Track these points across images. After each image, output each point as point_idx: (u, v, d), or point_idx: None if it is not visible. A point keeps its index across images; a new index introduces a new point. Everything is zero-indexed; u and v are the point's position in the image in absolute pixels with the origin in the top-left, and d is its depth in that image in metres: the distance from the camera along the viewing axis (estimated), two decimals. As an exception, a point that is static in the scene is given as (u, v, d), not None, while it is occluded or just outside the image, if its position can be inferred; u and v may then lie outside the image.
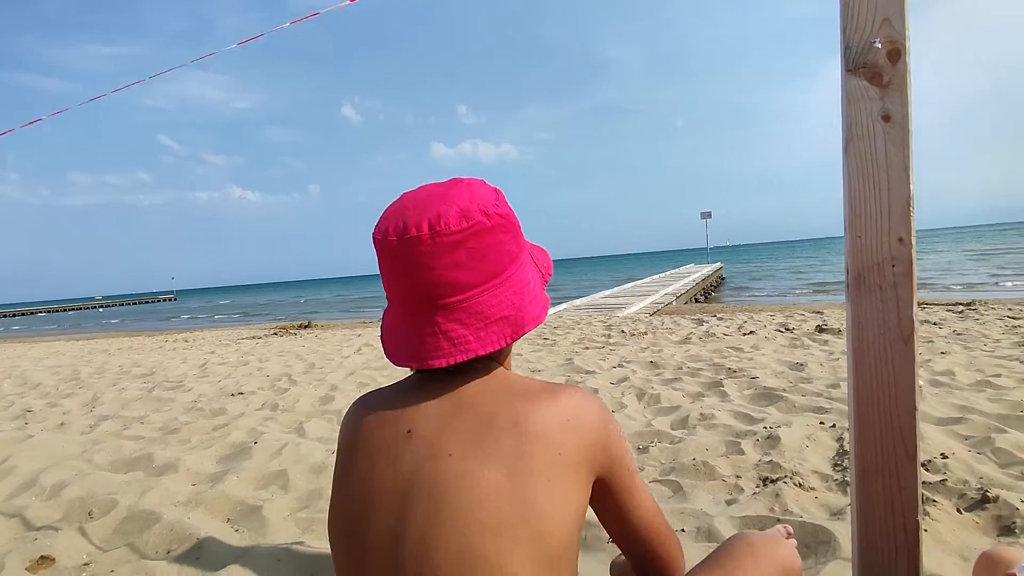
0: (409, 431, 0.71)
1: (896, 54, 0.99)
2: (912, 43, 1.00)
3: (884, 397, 1.05)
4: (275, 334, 10.02)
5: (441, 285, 0.72)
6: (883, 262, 1.03)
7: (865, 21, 1.00)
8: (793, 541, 0.98)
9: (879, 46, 0.99)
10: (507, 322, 0.75)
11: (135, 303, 79.82)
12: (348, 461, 0.75)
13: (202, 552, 1.69)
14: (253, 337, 9.57)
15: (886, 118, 1.01)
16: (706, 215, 35.06)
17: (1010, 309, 6.82)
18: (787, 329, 6.01)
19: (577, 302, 14.21)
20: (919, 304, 8.76)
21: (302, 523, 1.87)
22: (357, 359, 5.74)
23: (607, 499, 0.77)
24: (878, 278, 1.04)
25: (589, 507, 0.76)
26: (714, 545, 1.54)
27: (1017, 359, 3.81)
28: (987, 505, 1.66)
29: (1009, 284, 15.51)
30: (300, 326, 11.95)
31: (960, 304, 7.86)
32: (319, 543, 1.72)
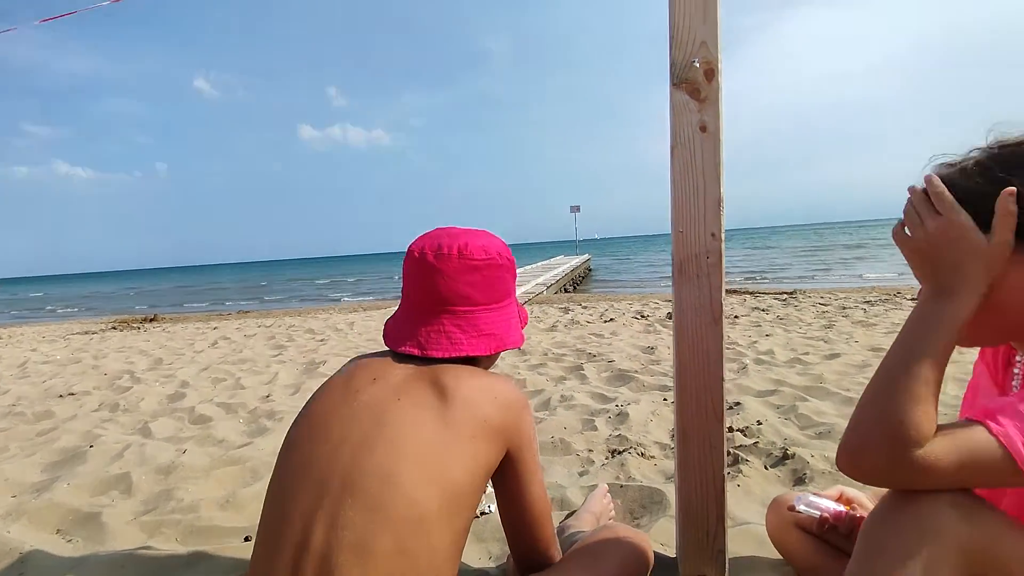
0: (375, 379, 0.90)
1: (711, 73, 1.14)
2: (724, 65, 1.16)
3: (699, 369, 1.22)
4: (114, 328, 9.01)
5: (456, 295, 0.96)
6: (699, 254, 1.19)
7: (687, 42, 1.14)
8: (647, 538, 1.17)
9: (698, 65, 1.14)
10: (494, 338, 0.98)
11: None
12: (318, 392, 0.92)
13: (26, 567, 1.52)
14: (87, 332, 8.53)
15: (703, 129, 1.16)
16: (575, 208, 36.68)
17: (822, 297, 7.92)
18: (643, 316, 6.53)
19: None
20: (752, 293, 9.90)
21: (148, 527, 1.75)
22: (212, 353, 5.36)
23: (509, 474, 0.94)
24: (695, 268, 1.20)
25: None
26: (563, 513, 1.68)
27: (822, 339, 4.46)
28: (787, 461, 1.97)
29: (832, 275, 17.97)
30: (145, 319, 10.84)
31: (785, 293, 9.00)
32: (169, 546, 1.63)
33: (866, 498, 1.22)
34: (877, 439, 0.70)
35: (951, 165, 0.80)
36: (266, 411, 3.07)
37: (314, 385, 3.64)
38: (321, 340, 5.88)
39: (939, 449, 0.67)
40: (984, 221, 0.73)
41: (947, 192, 0.75)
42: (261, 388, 3.70)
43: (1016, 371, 0.91)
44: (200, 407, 3.23)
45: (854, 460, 0.72)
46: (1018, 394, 0.71)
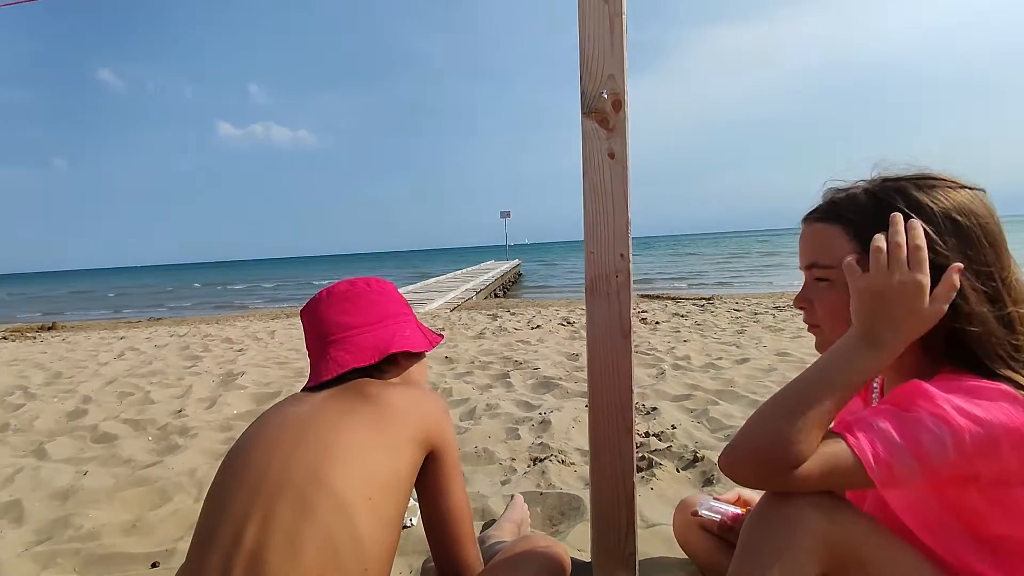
0: (302, 400, 0.99)
1: (618, 104, 1.22)
2: (630, 96, 1.24)
3: (610, 381, 1.28)
4: (5, 339, 8.26)
5: (333, 325, 1.08)
6: (609, 273, 1.26)
7: (596, 74, 1.21)
8: (564, 547, 1.21)
9: (606, 96, 1.21)
10: (375, 349, 1.06)
11: None
12: (267, 413, 1.00)
13: None
14: (-29, 343, 7.77)
15: (612, 156, 1.23)
16: (505, 214, 36.96)
17: (736, 303, 8.39)
18: (569, 323, 6.68)
19: (379, 298, 14.03)
20: (674, 299, 10.33)
21: (41, 558, 1.64)
22: (119, 365, 5.03)
23: (431, 475, 1.01)
24: (606, 286, 1.27)
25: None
26: (484, 522, 1.71)
27: (735, 344, 4.73)
28: (697, 463, 2.09)
29: (746, 281, 18.99)
30: (42, 328, 10.01)
31: (703, 299, 9.46)
32: (64, 576, 1.53)
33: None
34: (761, 454, 0.77)
35: (841, 190, 0.90)
36: (178, 427, 2.92)
37: (231, 398, 3.50)
38: (240, 350, 5.64)
39: (808, 460, 0.76)
40: (863, 240, 0.82)
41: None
42: (173, 402, 3.52)
43: (875, 385, 1.03)
44: (104, 424, 3.03)
45: (732, 465, 0.79)
46: (873, 408, 0.81)
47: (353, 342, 1.06)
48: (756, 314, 6.70)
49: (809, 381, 0.80)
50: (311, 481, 0.83)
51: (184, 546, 1.65)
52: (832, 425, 0.81)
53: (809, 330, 0.94)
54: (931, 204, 0.81)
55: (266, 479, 0.84)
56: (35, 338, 8.21)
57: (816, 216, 0.90)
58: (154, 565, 1.57)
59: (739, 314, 6.80)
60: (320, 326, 1.09)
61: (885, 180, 0.87)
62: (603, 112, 1.22)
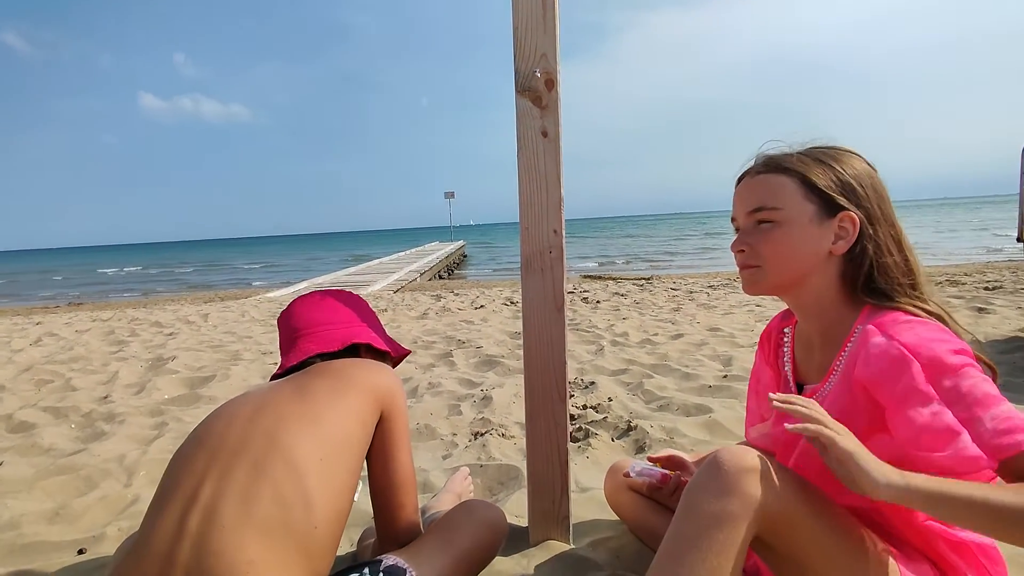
0: (270, 384, 1.07)
1: (551, 83, 1.24)
2: (566, 77, 1.27)
3: (544, 354, 1.33)
4: (-98, 326, 7.59)
5: (306, 321, 1.18)
6: (543, 249, 1.30)
7: (529, 54, 1.23)
8: (501, 511, 1.24)
9: (539, 75, 1.24)
10: (341, 340, 1.15)
11: None
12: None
13: None
14: None
15: (544, 134, 1.26)
16: (449, 195, 36.61)
17: (674, 282, 8.68)
18: (512, 303, 6.75)
19: (319, 279, 13.71)
20: (615, 279, 10.59)
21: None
22: (35, 352, 4.73)
23: (380, 439, 1.06)
24: (540, 262, 1.31)
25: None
26: (428, 496, 1.74)
27: (671, 321, 4.91)
28: (631, 433, 2.18)
29: (684, 261, 19.62)
30: (-55, 315, 9.25)
31: (643, 279, 9.73)
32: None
33: (691, 461, 1.40)
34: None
35: (776, 153, 1.02)
36: (103, 413, 2.80)
37: (162, 383, 3.37)
38: (170, 334, 5.41)
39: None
40: (807, 185, 0.95)
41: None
42: (97, 389, 3.35)
43: (785, 349, 1.12)
44: (20, 413, 2.87)
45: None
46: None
47: (320, 335, 1.16)
48: (692, 292, 6.96)
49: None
50: (267, 444, 0.90)
51: (113, 531, 1.61)
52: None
53: (743, 271, 1.02)
54: (854, 165, 0.98)
55: (225, 443, 0.91)
56: (-62, 325, 7.59)
57: (759, 170, 1.00)
58: (80, 552, 1.52)
59: (676, 293, 7.05)
60: (292, 323, 1.19)
61: (813, 147, 1.01)
62: (536, 91, 1.24)
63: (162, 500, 0.87)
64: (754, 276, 1.00)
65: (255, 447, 0.90)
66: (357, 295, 1.28)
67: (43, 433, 2.55)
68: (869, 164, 1.00)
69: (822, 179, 0.95)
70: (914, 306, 0.93)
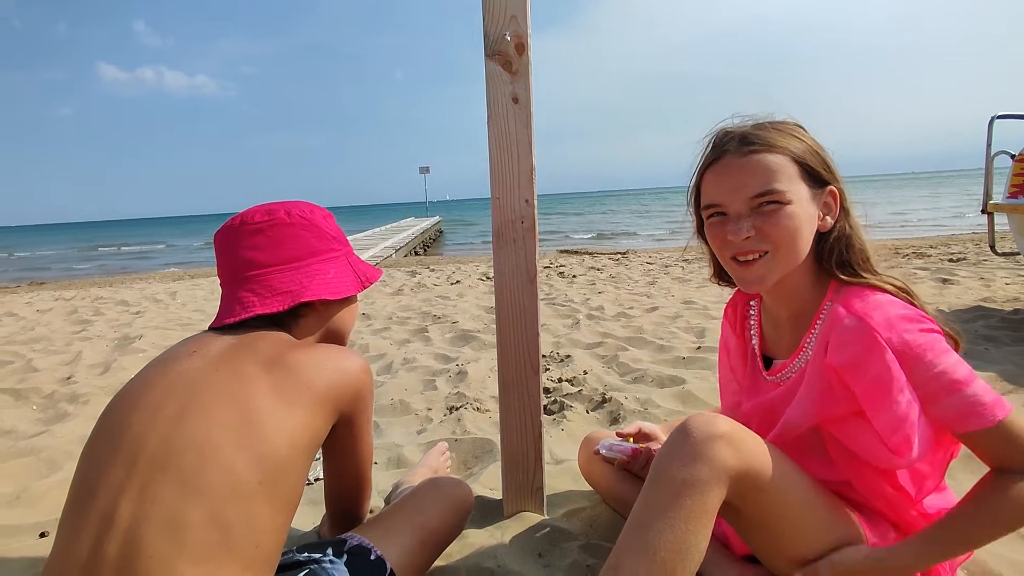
0: (194, 352, 0.88)
1: (521, 47, 1.20)
2: (538, 45, 1.23)
3: (516, 326, 1.31)
4: None
5: (242, 262, 0.97)
6: (515, 219, 1.27)
7: (498, 16, 1.19)
8: (468, 487, 1.21)
9: (508, 38, 1.20)
10: (289, 295, 0.96)
11: None
12: (145, 368, 0.89)
13: None
14: None
15: (515, 100, 1.23)
16: (424, 169, 36.13)
17: (650, 257, 8.72)
18: (488, 278, 6.72)
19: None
20: (591, 254, 10.60)
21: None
22: (-5, 333, 4.58)
23: (338, 437, 0.96)
24: (511, 232, 1.28)
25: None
26: (403, 471, 1.73)
27: (645, 295, 4.94)
28: (605, 405, 2.20)
29: (661, 235, 19.74)
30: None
31: (619, 253, 9.76)
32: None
33: (660, 432, 1.41)
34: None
35: (746, 129, 0.97)
36: (66, 394, 2.72)
37: (128, 363, 3.29)
38: (136, 312, 5.27)
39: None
40: (801, 164, 0.93)
41: None
42: (60, 369, 3.26)
43: (752, 321, 1.12)
44: (-22, 395, 2.77)
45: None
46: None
47: (264, 283, 0.95)
48: (667, 266, 7.01)
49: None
50: (197, 459, 0.76)
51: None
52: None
53: (747, 265, 0.94)
54: (815, 140, 0.97)
55: (144, 449, 0.76)
56: None
57: (749, 149, 0.92)
58: (42, 535, 1.48)
59: (651, 267, 7.09)
60: (230, 260, 0.98)
61: (774, 122, 0.97)
62: (506, 55, 1.20)
63: (74, 517, 0.75)
64: (765, 266, 0.93)
65: (183, 461, 0.75)
66: (310, 210, 1.03)
67: (3, 415, 2.47)
68: None
69: (808, 155, 0.93)
70: (879, 280, 0.93)
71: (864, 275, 0.93)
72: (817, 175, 0.94)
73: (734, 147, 0.94)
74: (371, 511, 1.26)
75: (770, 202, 0.90)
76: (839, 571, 0.87)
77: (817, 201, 0.94)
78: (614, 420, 2.09)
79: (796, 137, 0.94)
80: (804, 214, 0.92)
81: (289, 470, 0.82)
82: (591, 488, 1.49)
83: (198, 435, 0.77)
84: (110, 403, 0.85)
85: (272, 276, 0.97)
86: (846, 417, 0.89)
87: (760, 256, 0.93)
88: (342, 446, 0.99)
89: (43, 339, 4.20)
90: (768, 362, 1.07)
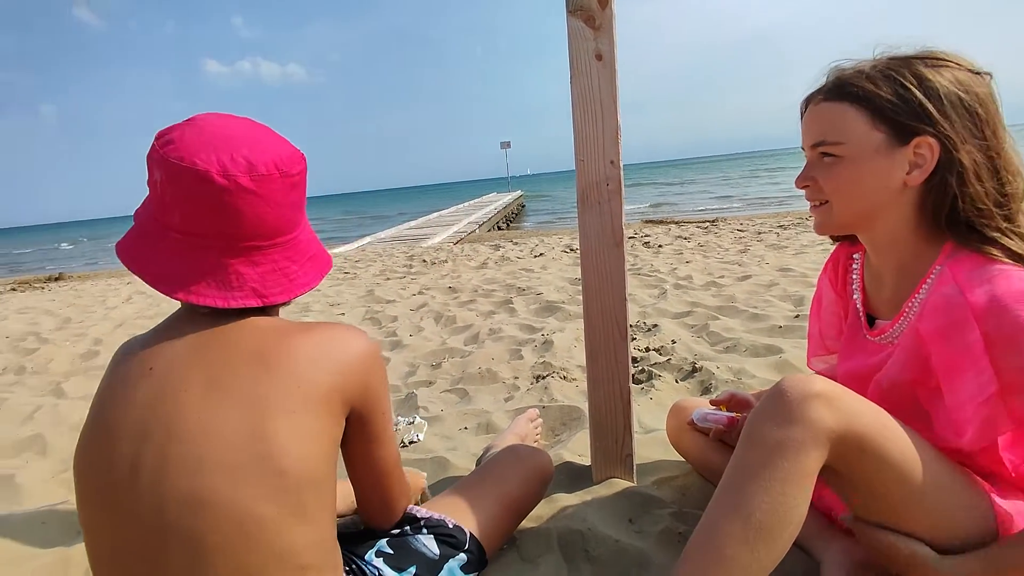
0: (151, 368, 0.71)
1: (604, 1, 1.16)
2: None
3: (603, 290, 1.29)
4: (13, 290, 8.35)
5: (285, 222, 0.75)
6: (599, 182, 1.24)
7: (580, -32, 1.14)
8: (547, 455, 1.20)
9: (591, -8, 1.15)
10: (316, 259, 0.81)
11: None
12: (96, 401, 0.74)
13: (-64, 533, 1.48)
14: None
15: (599, 57, 1.19)
16: (506, 145, 36.18)
17: (741, 224, 8.32)
18: (571, 250, 6.67)
19: (382, 234, 14.01)
20: (677, 223, 10.25)
21: (68, 483, 1.72)
22: (127, 309, 5.10)
23: (355, 438, 0.81)
24: (596, 195, 1.25)
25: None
26: (492, 436, 1.77)
27: (737, 263, 4.73)
28: (696, 374, 2.13)
29: (752, 201, 18.78)
30: (49, 278, 10.09)
31: (707, 221, 9.37)
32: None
33: (754, 400, 1.35)
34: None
35: (846, 69, 0.90)
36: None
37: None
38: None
39: None
40: (872, 113, 0.85)
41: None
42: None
43: (854, 276, 1.04)
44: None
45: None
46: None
47: (300, 251, 0.78)
48: (760, 233, 6.65)
49: None
50: (197, 511, 0.65)
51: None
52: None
53: (812, 210, 0.97)
54: (939, 80, 0.84)
55: (139, 503, 0.65)
56: (43, 288, 8.29)
57: (822, 96, 0.91)
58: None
59: (743, 234, 6.76)
60: (261, 218, 0.73)
61: (892, 58, 0.89)
62: (589, 9, 1.16)
63: None
64: (823, 214, 0.94)
65: (182, 520, 0.64)
66: (285, 155, 0.75)
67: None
68: (974, 71, 0.87)
69: (893, 101, 0.85)
70: (1003, 246, 0.82)
71: (987, 237, 0.83)
72: (901, 125, 0.84)
73: (816, 93, 0.93)
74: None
75: (827, 153, 0.90)
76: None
77: (898, 153, 0.85)
78: (705, 390, 2.02)
79: (896, 79, 0.85)
80: (869, 168, 0.87)
81: (310, 487, 0.70)
82: (682, 458, 1.46)
83: (191, 482, 0.65)
84: (81, 445, 0.72)
85: (302, 236, 0.80)
86: (934, 388, 0.84)
87: (820, 204, 0.94)
88: (360, 447, 0.83)
89: (167, 314, 4.64)
90: (871, 322, 1.00)
